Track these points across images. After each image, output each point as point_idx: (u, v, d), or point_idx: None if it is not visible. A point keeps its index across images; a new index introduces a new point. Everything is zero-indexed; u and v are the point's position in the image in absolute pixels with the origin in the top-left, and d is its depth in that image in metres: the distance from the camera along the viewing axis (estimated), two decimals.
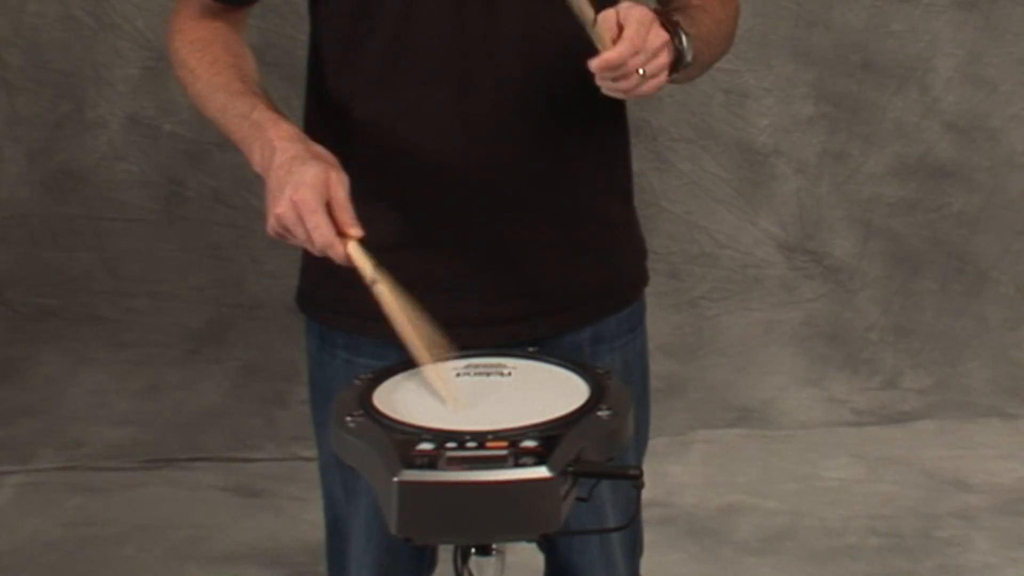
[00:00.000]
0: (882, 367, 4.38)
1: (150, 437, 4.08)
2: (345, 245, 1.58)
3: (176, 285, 4.41)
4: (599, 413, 1.48)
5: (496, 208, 1.78)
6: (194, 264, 4.41)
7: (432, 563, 1.99)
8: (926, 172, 4.47)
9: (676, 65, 1.68)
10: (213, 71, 1.78)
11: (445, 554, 1.65)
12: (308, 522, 3.31)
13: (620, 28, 1.58)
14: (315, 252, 1.59)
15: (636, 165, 1.94)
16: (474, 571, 1.51)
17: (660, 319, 4.17)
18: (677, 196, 4.40)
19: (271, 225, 1.60)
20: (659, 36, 1.60)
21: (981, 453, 3.95)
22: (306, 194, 1.57)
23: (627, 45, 1.57)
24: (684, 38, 1.68)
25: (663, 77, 1.63)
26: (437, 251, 1.80)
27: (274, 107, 1.73)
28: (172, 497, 3.77)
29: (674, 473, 3.81)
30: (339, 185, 1.59)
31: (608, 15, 1.59)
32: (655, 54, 1.60)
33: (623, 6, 1.60)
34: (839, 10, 4.39)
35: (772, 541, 3.48)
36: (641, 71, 1.59)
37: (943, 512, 3.61)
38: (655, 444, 2.06)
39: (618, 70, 1.58)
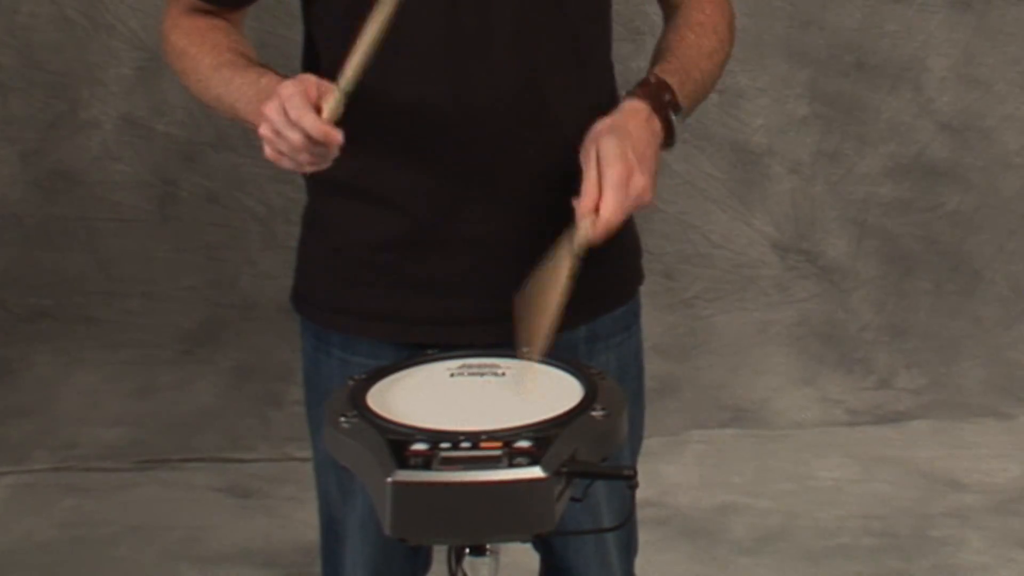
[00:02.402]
0: (876, 367, 4.38)
1: (144, 438, 4.07)
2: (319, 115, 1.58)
3: (170, 285, 4.41)
4: (593, 413, 1.48)
5: (490, 208, 1.78)
6: (188, 264, 4.41)
7: (427, 563, 1.99)
8: (920, 172, 4.47)
9: (668, 143, 1.77)
10: (215, 53, 1.79)
11: (440, 554, 1.65)
12: (302, 522, 3.31)
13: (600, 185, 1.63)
14: (293, 136, 1.57)
15: None
16: (468, 571, 1.51)
17: (654, 319, 4.17)
18: (671, 196, 4.39)
19: (262, 132, 1.60)
20: (637, 184, 1.64)
21: (975, 453, 3.95)
22: (290, 88, 1.58)
23: (605, 227, 1.62)
24: (675, 118, 1.77)
25: (651, 203, 1.68)
26: (432, 250, 1.80)
27: (282, 75, 1.73)
28: (166, 498, 3.77)
29: (668, 473, 3.81)
30: (326, 86, 1.60)
31: (590, 167, 1.64)
32: (635, 203, 1.65)
33: (604, 153, 1.65)
34: (833, 10, 4.39)
35: (766, 541, 3.48)
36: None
37: (937, 512, 3.61)
38: (649, 444, 2.06)
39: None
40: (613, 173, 1.63)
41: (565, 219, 1.83)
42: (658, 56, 1.85)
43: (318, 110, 1.57)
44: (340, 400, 1.53)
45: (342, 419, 1.48)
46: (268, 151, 1.61)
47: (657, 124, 1.73)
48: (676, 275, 4.44)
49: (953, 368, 4.37)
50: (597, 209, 1.63)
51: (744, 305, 4.47)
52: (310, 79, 1.61)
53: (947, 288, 4.48)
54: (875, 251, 4.49)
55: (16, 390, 4.27)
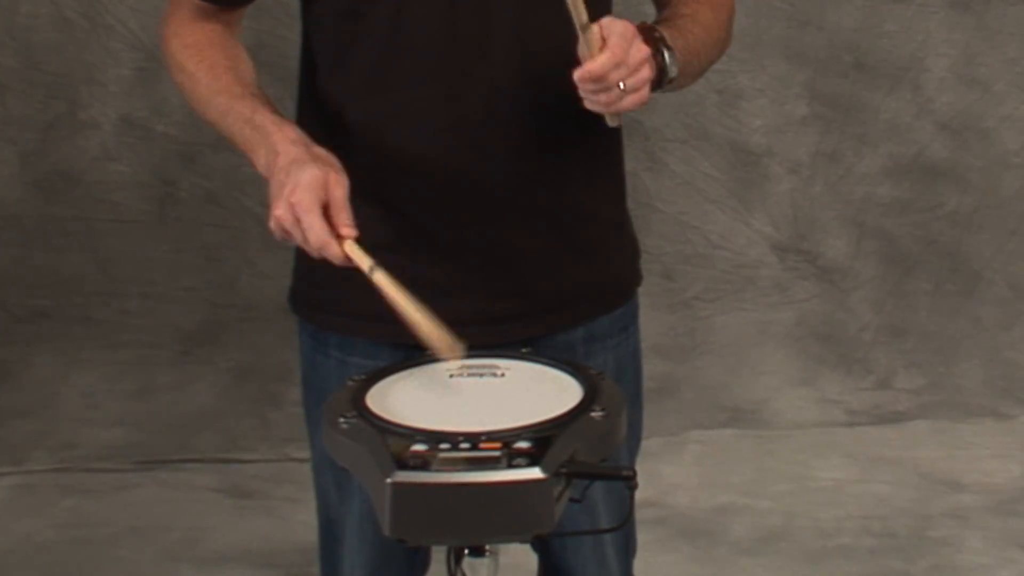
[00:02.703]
0: (875, 367, 4.38)
1: (143, 438, 4.07)
2: (341, 245, 1.59)
3: (169, 286, 4.41)
4: (592, 414, 1.48)
5: (489, 209, 1.78)
6: (187, 265, 4.41)
7: (425, 564, 1.99)
8: (919, 172, 4.47)
9: (660, 80, 1.70)
10: (212, 75, 1.78)
11: (438, 554, 1.64)
12: (301, 523, 3.31)
13: (603, 41, 1.59)
14: (312, 253, 1.60)
15: (629, 165, 1.94)
16: (467, 572, 1.51)
17: (653, 319, 4.17)
18: (670, 196, 4.40)
19: (272, 227, 1.62)
20: (640, 50, 1.62)
21: (974, 453, 3.95)
22: (303, 195, 1.59)
23: (608, 57, 1.58)
24: (667, 53, 1.71)
25: (645, 92, 1.64)
26: (430, 252, 1.80)
27: (275, 109, 1.74)
28: (165, 498, 3.77)
29: (667, 473, 3.81)
30: (337, 186, 1.60)
31: (591, 28, 1.60)
32: (636, 68, 1.61)
33: (605, 20, 1.62)
34: (832, 10, 4.39)
35: (766, 541, 3.48)
36: (622, 85, 1.60)
37: (936, 512, 3.61)
38: (648, 444, 2.06)
39: (600, 82, 1.59)
40: (616, 27, 1.60)
41: (563, 222, 1.83)
42: None
43: (325, 208, 1.59)
44: (339, 401, 1.53)
45: (341, 420, 1.48)
46: (274, 229, 1.62)
47: (648, 51, 1.67)
48: (675, 275, 4.44)
49: (952, 368, 4.37)
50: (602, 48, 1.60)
51: (743, 305, 4.47)
52: (318, 177, 1.60)
53: (946, 288, 4.48)
54: (874, 251, 4.49)
55: (15, 391, 4.27)
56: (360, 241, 1.61)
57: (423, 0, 1.73)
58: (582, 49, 1.60)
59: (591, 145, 1.84)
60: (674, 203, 4.41)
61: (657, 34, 1.72)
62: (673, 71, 1.72)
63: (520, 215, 1.79)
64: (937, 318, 4.46)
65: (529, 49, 1.75)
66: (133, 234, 4.40)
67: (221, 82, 1.78)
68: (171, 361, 4.35)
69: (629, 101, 1.62)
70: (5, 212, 4.39)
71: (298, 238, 1.60)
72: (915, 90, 4.43)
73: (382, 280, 1.60)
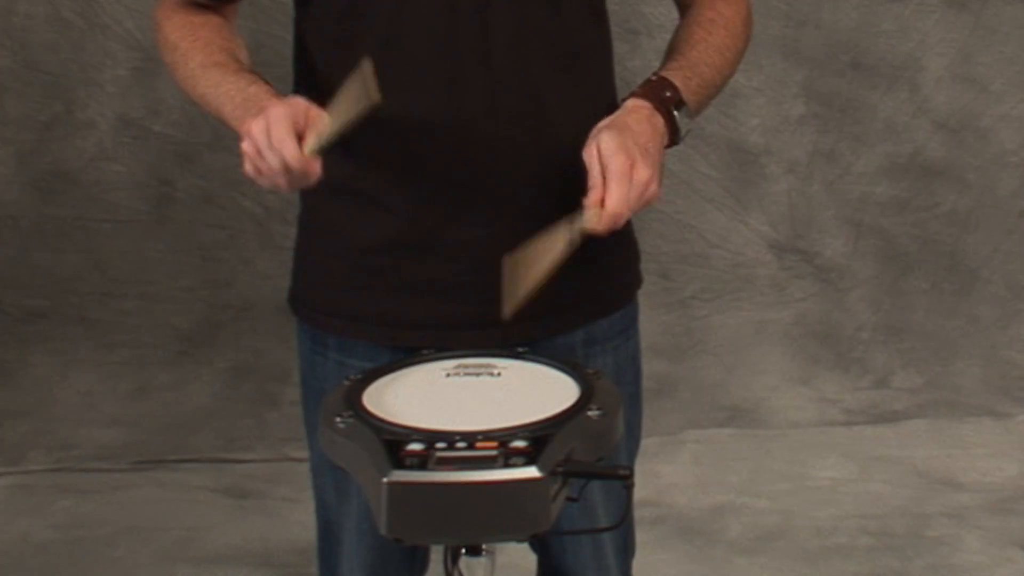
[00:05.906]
0: (873, 367, 4.38)
1: (140, 438, 4.07)
2: (302, 147, 1.59)
3: (166, 286, 4.40)
4: (589, 413, 1.48)
5: (488, 210, 1.77)
6: (184, 265, 4.41)
7: (424, 564, 1.99)
8: (917, 171, 4.47)
9: (673, 141, 1.75)
10: (207, 52, 1.78)
11: (437, 554, 1.64)
12: (299, 523, 3.31)
13: (604, 175, 1.63)
14: (272, 159, 1.59)
15: None
16: (464, 572, 1.51)
17: (651, 319, 4.17)
18: (668, 196, 4.38)
19: (244, 148, 1.61)
20: (641, 178, 1.64)
21: (972, 452, 3.95)
22: (279, 111, 1.59)
23: (610, 219, 1.62)
24: (678, 115, 1.75)
25: (657, 196, 1.68)
26: (429, 253, 1.80)
27: (270, 85, 1.73)
28: (162, 498, 3.77)
29: (665, 473, 3.81)
30: (316, 114, 1.61)
31: (592, 162, 1.64)
32: (640, 195, 1.64)
33: (605, 146, 1.64)
34: (829, 9, 4.39)
35: (763, 541, 3.48)
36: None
37: (934, 511, 3.61)
38: (646, 444, 2.05)
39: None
40: (615, 164, 1.62)
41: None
42: (667, 55, 1.85)
43: (301, 138, 1.58)
44: (336, 400, 1.53)
45: (338, 419, 1.47)
46: (248, 167, 1.62)
47: (660, 121, 1.72)
48: (673, 275, 4.44)
49: (950, 367, 4.37)
50: (604, 202, 1.62)
51: (741, 305, 4.47)
52: (300, 104, 1.61)
53: (944, 287, 4.48)
54: (872, 251, 4.49)
55: (12, 391, 4.27)
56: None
57: (423, 0, 1.73)
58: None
59: None
60: (671, 202, 4.41)
61: (668, 94, 1.75)
62: (684, 131, 1.76)
63: (518, 219, 1.78)
64: (934, 317, 4.46)
65: (529, 50, 1.75)
66: (130, 234, 4.40)
67: (215, 57, 1.78)
68: (168, 361, 4.35)
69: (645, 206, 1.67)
70: (2, 212, 4.39)
71: (262, 144, 1.58)
72: (912, 89, 4.43)
73: (334, 116, 1.60)
